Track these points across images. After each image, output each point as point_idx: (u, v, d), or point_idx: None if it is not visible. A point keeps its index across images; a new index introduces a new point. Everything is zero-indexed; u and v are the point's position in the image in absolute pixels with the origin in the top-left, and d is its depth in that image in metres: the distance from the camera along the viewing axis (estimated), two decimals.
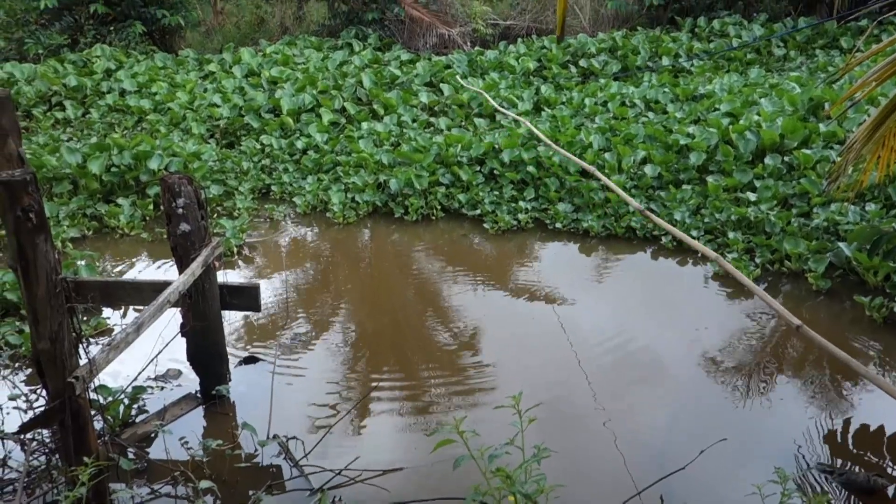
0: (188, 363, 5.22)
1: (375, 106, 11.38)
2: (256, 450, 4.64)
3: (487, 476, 2.79)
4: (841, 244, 6.39)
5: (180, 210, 4.70)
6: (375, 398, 5.24)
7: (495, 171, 8.90)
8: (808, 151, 7.76)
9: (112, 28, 14.91)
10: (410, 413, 5.08)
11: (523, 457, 2.76)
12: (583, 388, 5.21)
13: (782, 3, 14.37)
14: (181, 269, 4.78)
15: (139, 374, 4.98)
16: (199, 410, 5.16)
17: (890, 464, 4.41)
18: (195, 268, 4.62)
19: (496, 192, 8.62)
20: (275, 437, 4.61)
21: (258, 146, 10.41)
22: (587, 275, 7.13)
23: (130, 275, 7.41)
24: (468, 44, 14.91)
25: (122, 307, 6.58)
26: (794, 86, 9.85)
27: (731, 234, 7.08)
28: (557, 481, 2.96)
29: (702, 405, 5.07)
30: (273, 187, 9.46)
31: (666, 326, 6.00)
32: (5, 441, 4.69)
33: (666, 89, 10.84)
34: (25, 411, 5.11)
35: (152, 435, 4.85)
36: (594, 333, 5.96)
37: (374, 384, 5.38)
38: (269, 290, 6.92)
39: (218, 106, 11.33)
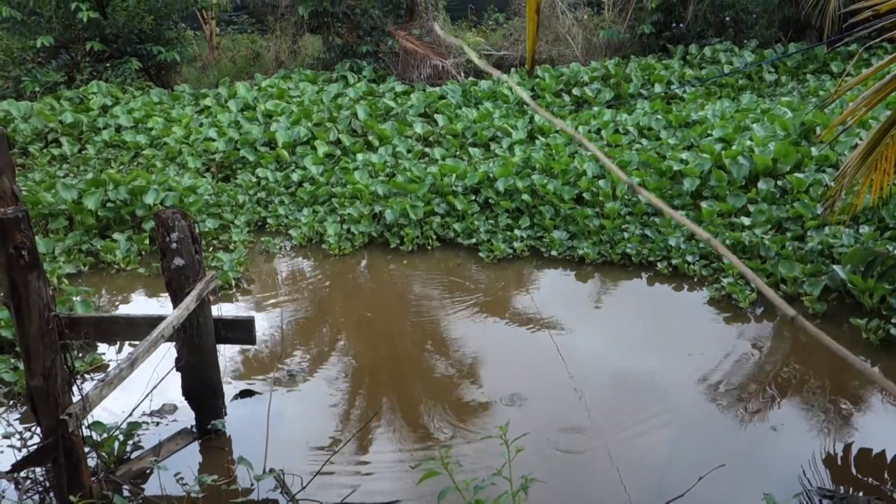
0: (183, 398, 5.19)
1: (370, 137, 11.44)
2: (253, 484, 4.60)
3: None
4: (836, 267, 6.40)
5: (174, 245, 4.71)
6: (373, 430, 5.21)
7: (490, 200, 8.93)
8: (800, 175, 7.80)
9: (108, 65, 15.01)
10: (408, 445, 5.05)
11: (511, 487, 2.74)
12: (581, 415, 5.19)
13: (772, 30, 14.51)
14: (175, 304, 4.77)
15: (134, 409, 4.95)
16: (195, 445, 5.13)
17: (891, 488, 4.38)
18: (189, 302, 4.61)
19: (491, 221, 8.64)
20: (271, 471, 4.56)
21: (254, 179, 10.44)
22: (584, 302, 7.13)
23: (127, 310, 7.40)
24: (462, 74, 15.02)
25: (118, 342, 6.56)
26: (786, 111, 9.92)
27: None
28: None
29: (701, 431, 5.04)
30: (269, 220, 9.47)
31: (664, 352, 5.98)
32: None
33: (659, 116, 10.92)
34: (20, 449, 5.08)
35: (147, 471, 4.81)
36: (592, 360, 5.95)
37: (370, 416, 5.35)
38: (266, 323, 6.90)
39: (214, 140, 11.38)
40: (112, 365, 6.20)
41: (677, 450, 4.87)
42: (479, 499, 2.73)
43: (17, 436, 5.19)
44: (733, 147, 8.77)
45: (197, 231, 4.82)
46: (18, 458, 4.87)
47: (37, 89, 14.20)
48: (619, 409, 5.34)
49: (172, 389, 5.23)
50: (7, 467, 4.73)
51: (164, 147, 11.42)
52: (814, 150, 8.26)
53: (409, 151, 10.87)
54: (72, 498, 3.41)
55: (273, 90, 13.63)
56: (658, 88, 12.80)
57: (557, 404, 5.36)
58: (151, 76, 15.65)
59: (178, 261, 4.71)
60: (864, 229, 6.85)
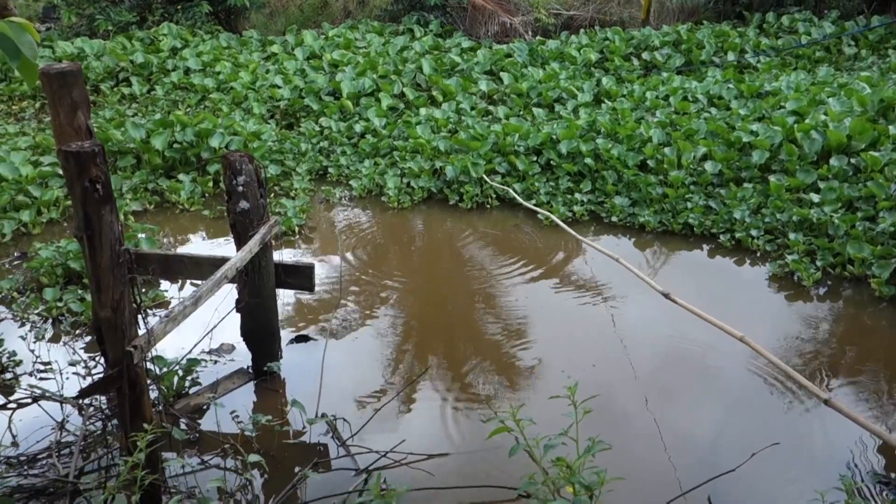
0: (242, 339, 5.32)
1: (434, 92, 11.38)
2: (304, 427, 4.71)
3: (542, 465, 2.78)
4: None
5: (241, 188, 4.77)
6: (423, 383, 5.27)
7: (552, 162, 8.84)
8: (876, 154, 7.53)
9: (179, 7, 15.16)
10: (457, 400, 5.10)
11: (577, 449, 2.74)
12: (632, 385, 5.17)
13: (855, 1, 13.93)
14: (239, 246, 4.86)
15: (194, 346, 5.09)
16: (250, 385, 5.26)
17: None
18: (253, 245, 4.69)
19: (552, 184, 8.56)
20: (323, 415, 4.67)
21: (317, 128, 10.50)
22: (641, 271, 7.04)
23: (187, 249, 7.56)
24: (529, 33, 14.78)
25: (180, 280, 6.73)
26: (865, 86, 9.55)
27: (791, 236, 6.92)
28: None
29: (754, 408, 4.98)
30: (330, 169, 9.53)
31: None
32: (64, 405, 4.84)
33: (730, 85, 10.62)
34: (84, 377, 5.28)
35: (204, 407, 4.96)
36: (645, 330, 5.90)
37: (423, 369, 5.41)
38: (323, 271, 6.99)
39: (279, 87, 11.45)
40: (174, 302, 6.37)
41: (728, 426, 4.82)
42: (559, 457, 2.72)
43: (82, 364, 5.39)
44: (806, 121, 8.50)
45: (263, 175, 4.88)
46: (83, 385, 5.08)
47: (109, 28, 14.44)
48: (671, 381, 5.30)
49: (231, 330, 5.36)
50: (72, 393, 4.94)
51: (230, 92, 11.54)
52: (892, 129, 7.95)
53: (472, 108, 10.80)
54: (145, 426, 3.54)
55: (340, 40, 13.63)
56: (731, 56, 12.43)
57: (608, 373, 5.34)
58: (221, 20, 15.77)
59: (244, 204, 4.78)
60: None
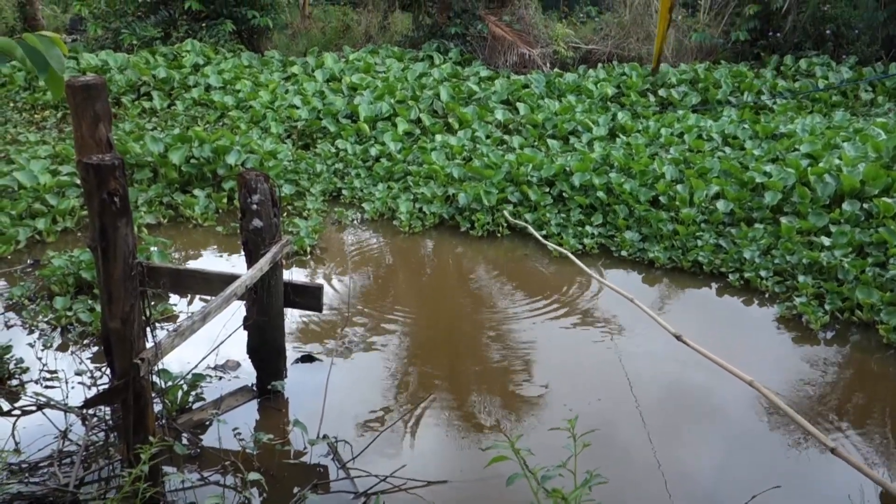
0: (247, 356, 5.34)
1: (451, 119, 11.48)
2: (305, 448, 4.72)
3: (539, 496, 2.79)
4: None
5: (255, 206, 4.83)
6: (426, 409, 5.27)
7: (564, 194, 8.88)
8: (889, 200, 7.53)
9: (204, 25, 15.39)
10: (459, 427, 5.09)
11: (575, 481, 2.75)
12: (635, 420, 5.15)
13: (874, 47, 13.98)
14: (250, 264, 4.90)
15: (200, 361, 5.12)
16: (254, 403, 5.27)
17: None
18: (264, 263, 4.73)
19: (563, 215, 8.59)
20: (324, 437, 4.68)
21: (333, 150, 10.60)
22: (648, 306, 7.04)
23: (199, 265, 7.61)
24: (548, 65, 14.92)
25: (190, 295, 6.77)
26: (880, 132, 9.56)
27: (801, 278, 6.92)
28: None
29: (756, 450, 4.95)
30: (344, 191, 9.61)
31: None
32: (68, 414, 4.86)
33: (745, 125, 10.67)
34: (89, 387, 5.31)
35: (207, 423, 4.97)
36: (650, 366, 5.89)
37: (427, 395, 5.41)
38: (332, 292, 7.02)
39: (297, 108, 11.57)
40: (182, 316, 6.41)
41: (730, 466, 4.80)
42: (554, 487, 2.74)
43: (89, 374, 5.42)
44: (820, 164, 8.52)
45: (277, 195, 4.93)
46: (88, 395, 5.10)
47: (134, 42, 14.67)
48: (675, 419, 5.28)
49: (238, 347, 5.38)
50: (76, 402, 4.97)
51: (249, 110, 11.68)
52: None
53: (487, 137, 10.88)
54: (150, 438, 3.56)
55: (360, 64, 13.78)
56: (747, 97, 12.50)
57: (612, 408, 5.33)
58: (243, 39, 16.00)
59: (257, 222, 4.82)
60: None
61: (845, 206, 7.76)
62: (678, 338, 5.29)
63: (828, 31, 14.31)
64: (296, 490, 4.32)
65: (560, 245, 7.99)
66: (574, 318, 6.71)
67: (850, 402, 5.50)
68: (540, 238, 8.03)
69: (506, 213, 8.66)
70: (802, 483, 4.61)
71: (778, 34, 14.59)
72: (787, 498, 4.38)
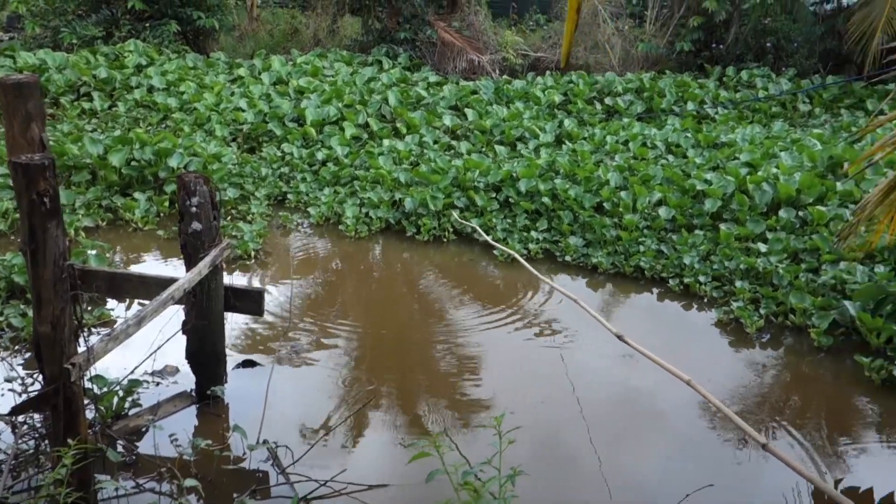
0: (186, 361, 5.25)
1: (398, 124, 11.48)
2: (245, 453, 4.65)
3: (457, 489, 2.83)
4: (846, 302, 6.36)
5: (194, 209, 4.76)
6: (368, 414, 5.24)
7: (510, 199, 8.94)
8: (822, 208, 7.75)
9: (147, 25, 15.13)
10: (403, 431, 5.09)
11: (499, 477, 2.78)
12: (577, 424, 5.20)
13: (812, 60, 14.38)
14: (189, 267, 4.82)
15: (136, 367, 5.01)
16: (193, 409, 5.19)
17: None
18: (202, 267, 4.66)
19: (509, 220, 8.65)
20: (264, 442, 4.62)
21: (279, 153, 10.51)
22: (592, 310, 7.12)
23: (140, 269, 7.47)
24: (496, 71, 15.01)
25: (128, 300, 6.64)
26: (816, 142, 9.84)
27: (738, 283, 7.07)
28: None
29: (696, 451, 5.04)
30: (289, 195, 9.53)
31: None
32: None
33: (688, 134, 10.88)
34: (20, 394, 5.16)
35: (143, 429, 4.88)
36: (593, 370, 5.95)
37: (368, 399, 5.38)
38: (277, 296, 6.95)
39: (243, 110, 11.45)
40: (120, 321, 6.28)
41: (668, 467, 4.88)
42: (467, 481, 2.77)
43: (19, 381, 5.27)
44: (759, 173, 8.72)
45: (217, 198, 4.87)
46: (18, 402, 4.96)
47: (74, 42, 14.35)
48: (616, 421, 5.35)
49: (176, 352, 5.29)
50: (6, 410, 4.82)
51: (193, 112, 11.51)
52: (839, 185, 8.20)
53: (435, 142, 10.90)
54: (69, 441, 3.46)
55: (307, 67, 13.70)
56: (690, 106, 12.75)
57: (554, 410, 5.38)
58: (189, 40, 15.77)
59: (196, 225, 4.75)
60: (880, 269, 6.80)
61: (781, 213, 7.96)
62: (620, 337, 5.35)
63: (768, 44, 14.68)
64: (235, 496, 4.25)
65: (508, 248, 8.03)
66: (520, 323, 6.75)
67: (783, 403, 5.63)
68: (490, 241, 8.03)
69: (454, 214, 8.67)
70: (740, 482, 4.70)
71: (721, 46, 14.92)
72: (723, 497, 4.46)
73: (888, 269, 6.80)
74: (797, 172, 8.57)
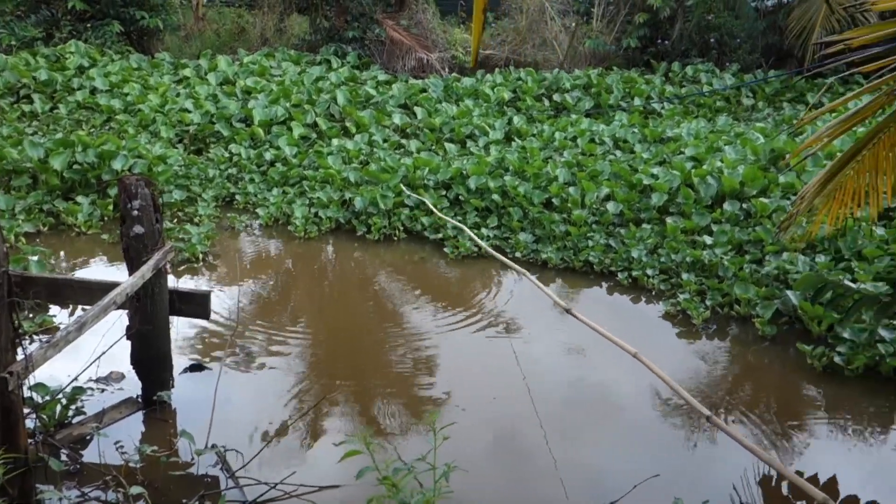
0: (131, 367, 5.16)
1: (348, 124, 11.42)
2: (193, 458, 4.58)
3: (386, 485, 2.86)
4: (789, 292, 6.51)
5: (136, 212, 4.68)
6: (319, 416, 5.21)
7: (461, 197, 8.96)
8: (765, 200, 7.92)
9: (89, 25, 14.82)
10: (351, 434, 5.06)
11: (434, 474, 2.80)
12: (529, 417, 5.23)
13: (754, 55, 14.68)
14: (132, 271, 4.74)
15: (79, 374, 4.92)
16: (139, 415, 5.10)
17: None
18: (146, 270, 4.59)
19: (460, 218, 8.66)
20: (213, 446, 4.56)
21: (226, 154, 10.38)
22: (543, 306, 7.17)
23: (83, 274, 7.32)
24: (446, 69, 15.02)
25: (71, 306, 6.49)
26: (759, 136, 10.05)
27: (684, 276, 7.19)
28: None
29: (646, 442, 5.11)
30: (237, 196, 9.42)
31: (617, 363, 6.03)
32: None
33: (635, 129, 11.02)
34: None
35: (88, 437, 4.78)
36: (545, 364, 6.00)
37: (318, 400, 5.35)
38: (225, 299, 6.86)
39: (189, 111, 11.29)
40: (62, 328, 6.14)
41: (618, 457, 4.94)
42: (386, 476, 2.80)
43: None
44: (704, 166, 8.88)
45: (160, 201, 4.80)
46: None
47: (13, 43, 13.98)
48: (567, 414, 5.40)
49: (122, 358, 5.19)
50: None
51: (137, 114, 11.32)
52: (781, 177, 8.39)
53: (384, 141, 10.88)
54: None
55: (255, 67, 13.56)
56: (637, 102, 12.91)
57: (507, 406, 5.40)
58: (132, 41, 15.48)
59: (138, 228, 4.68)
60: (821, 258, 6.98)
61: (726, 206, 8.11)
62: (568, 311, 5.47)
63: (712, 40, 14.94)
64: (183, 502, 4.20)
65: (456, 248, 8.06)
66: (472, 319, 6.77)
67: (730, 392, 5.74)
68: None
69: (404, 188, 8.76)
70: (685, 472, 4.78)
71: (666, 42, 15.14)
72: (668, 485, 4.53)
73: (828, 258, 6.99)
74: (741, 165, 8.74)
